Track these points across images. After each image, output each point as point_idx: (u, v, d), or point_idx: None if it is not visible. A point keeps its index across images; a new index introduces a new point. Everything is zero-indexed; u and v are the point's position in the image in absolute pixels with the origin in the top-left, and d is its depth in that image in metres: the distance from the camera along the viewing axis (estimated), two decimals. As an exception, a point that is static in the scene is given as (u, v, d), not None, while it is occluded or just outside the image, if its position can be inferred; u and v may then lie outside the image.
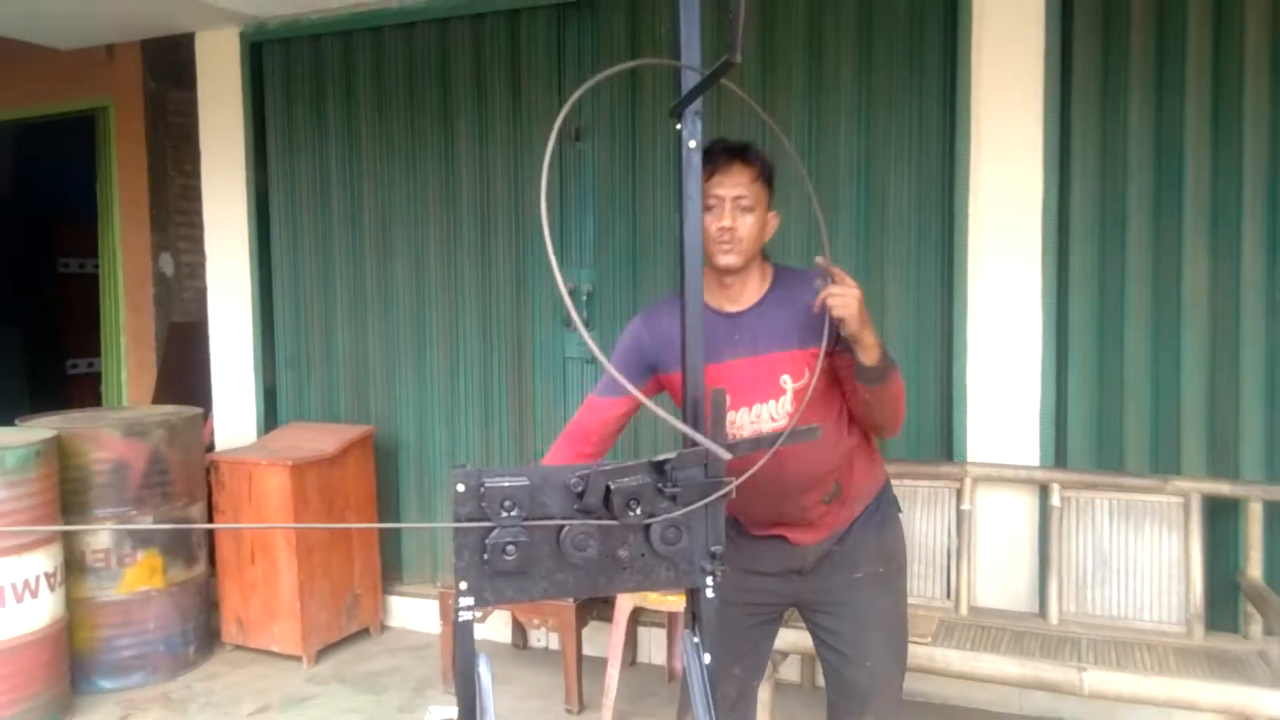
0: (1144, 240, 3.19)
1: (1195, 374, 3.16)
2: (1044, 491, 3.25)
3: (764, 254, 2.07)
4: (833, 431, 2.07)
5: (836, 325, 1.86)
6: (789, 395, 1.99)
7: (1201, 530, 3.04)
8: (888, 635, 2.14)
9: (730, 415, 2.01)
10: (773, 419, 1.99)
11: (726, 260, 1.97)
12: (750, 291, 2.03)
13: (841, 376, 2.01)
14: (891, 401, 1.97)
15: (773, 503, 2.08)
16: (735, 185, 1.95)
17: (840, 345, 1.93)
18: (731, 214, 1.95)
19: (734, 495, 1.46)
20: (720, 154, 1.96)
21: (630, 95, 3.84)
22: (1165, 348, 3.19)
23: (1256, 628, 3.01)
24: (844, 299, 1.81)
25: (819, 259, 1.87)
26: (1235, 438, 3.12)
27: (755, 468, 1.53)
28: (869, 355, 1.87)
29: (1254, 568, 3.02)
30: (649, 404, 1.36)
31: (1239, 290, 3.10)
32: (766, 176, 2.00)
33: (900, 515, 2.25)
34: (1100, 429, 3.28)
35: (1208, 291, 3.14)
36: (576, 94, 1.43)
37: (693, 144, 1.51)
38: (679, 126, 1.50)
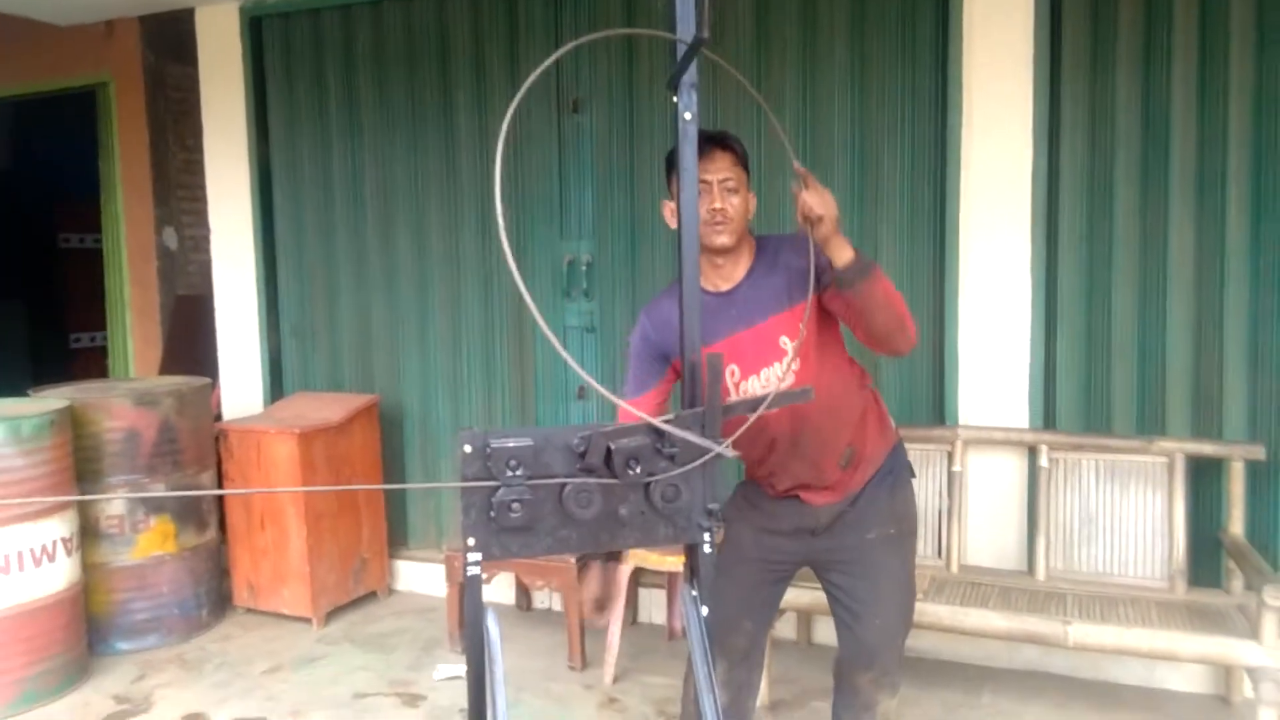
0: (1131, 208, 3.26)
1: (1181, 338, 3.24)
2: (1033, 453, 3.34)
3: (749, 230, 2.18)
4: (841, 384, 2.17)
5: (815, 240, 1.93)
6: (790, 354, 2.09)
7: (1185, 489, 3.13)
8: (897, 594, 2.24)
9: (743, 385, 2.13)
10: (780, 380, 2.09)
11: (721, 240, 2.09)
12: (740, 267, 2.15)
13: (838, 313, 2.09)
14: (887, 304, 2.00)
15: (788, 464, 2.18)
16: (720, 170, 2.08)
17: (826, 280, 2.02)
18: (720, 196, 2.08)
19: (731, 454, 1.54)
20: (702, 142, 2.05)
21: (627, 68, 3.88)
22: (1152, 312, 3.27)
23: (1238, 583, 3.11)
24: (823, 199, 1.90)
25: (797, 165, 1.95)
26: (1219, 399, 3.21)
27: (745, 426, 1.62)
28: (842, 255, 1.94)
29: (1235, 525, 3.11)
30: (632, 410, 1.44)
31: (1223, 256, 3.17)
32: (744, 160, 2.14)
33: (914, 480, 2.34)
34: (1088, 391, 3.37)
35: (1193, 258, 3.21)
36: (558, 53, 1.50)
37: (688, 115, 1.59)
38: (675, 99, 1.57)
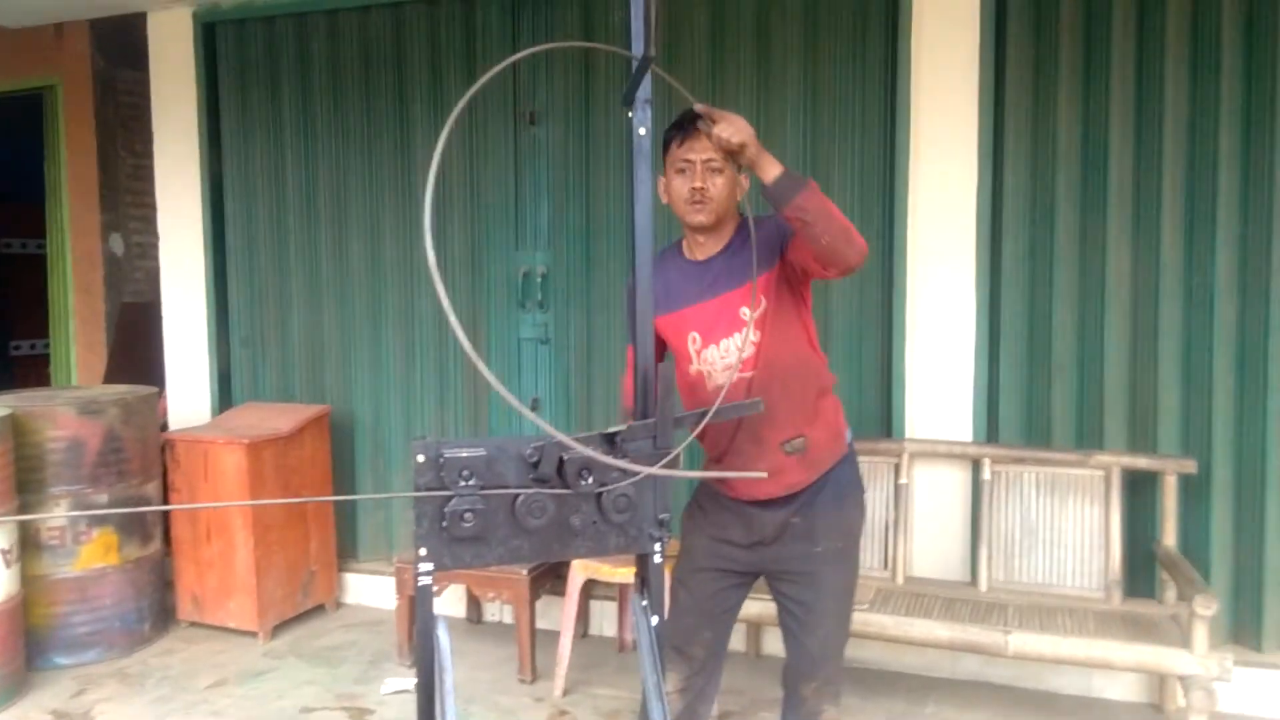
0: (1071, 229, 3.36)
1: (1118, 355, 3.34)
2: (976, 466, 3.42)
3: (737, 210, 2.23)
4: (797, 363, 2.17)
5: (745, 166, 1.96)
6: (750, 325, 2.13)
7: (1121, 502, 3.23)
8: (840, 606, 2.28)
9: (703, 354, 2.18)
10: (739, 349, 2.14)
11: (699, 219, 2.15)
12: (721, 242, 2.20)
13: (797, 258, 2.10)
14: (826, 213, 1.96)
15: (729, 433, 2.18)
16: (704, 150, 2.11)
17: (787, 236, 2.08)
18: (702, 176, 2.12)
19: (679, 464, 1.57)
20: (689, 122, 2.12)
21: (584, 81, 3.92)
22: (1090, 330, 3.38)
23: (1171, 593, 3.21)
24: (734, 125, 1.93)
25: (697, 106, 1.98)
26: (1154, 414, 3.32)
27: (696, 431, 1.65)
28: (771, 171, 1.96)
29: (1169, 537, 3.21)
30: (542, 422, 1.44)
31: (1158, 277, 3.29)
32: None
33: (865, 495, 2.35)
34: (1029, 406, 3.46)
35: (1130, 278, 3.33)
36: (507, 61, 1.52)
37: (643, 131, 1.62)
38: (630, 114, 1.61)
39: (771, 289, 2.14)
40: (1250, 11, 3.16)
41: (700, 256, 2.22)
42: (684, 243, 2.27)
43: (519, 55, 1.62)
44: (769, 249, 2.14)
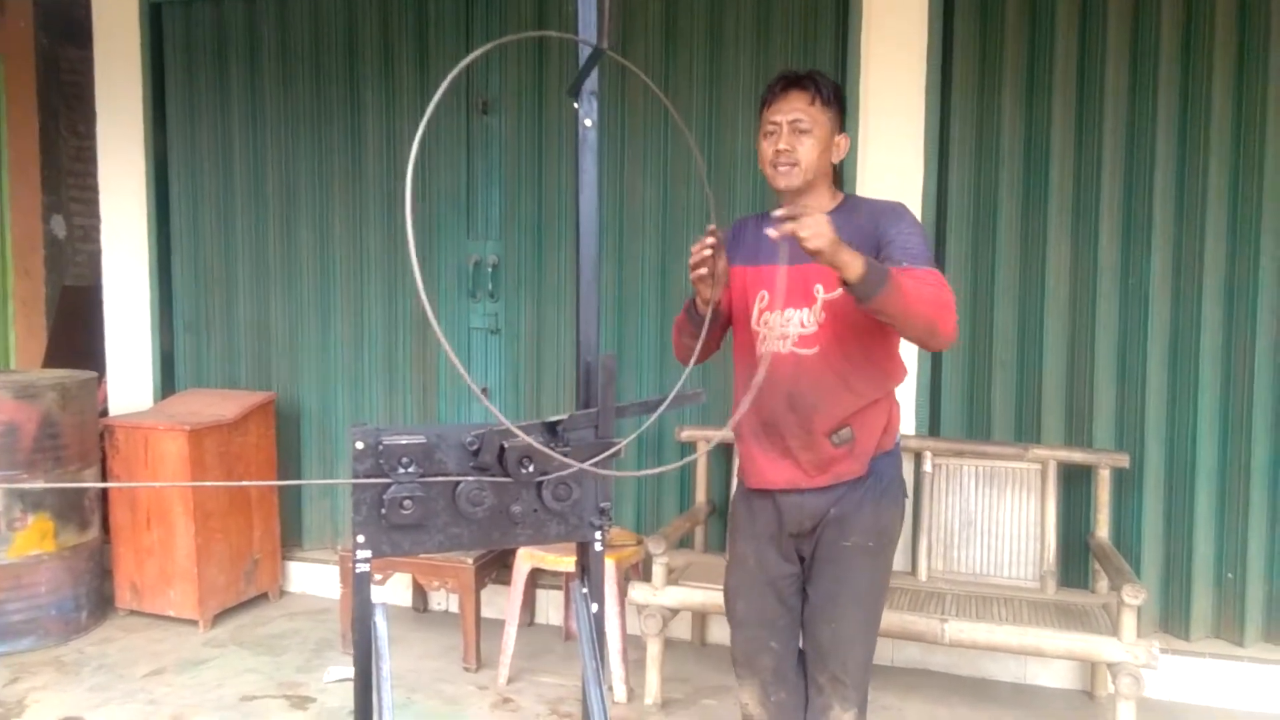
0: (1013, 228, 3.44)
1: (1056, 352, 3.42)
2: (918, 458, 3.47)
3: (838, 179, 2.15)
4: (862, 354, 2.08)
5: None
6: (819, 304, 2.06)
7: (1057, 494, 3.31)
8: (855, 607, 2.17)
9: (766, 316, 2.11)
10: (802, 324, 2.07)
11: (785, 182, 2.07)
12: (818, 208, 2.01)
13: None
14: (905, 312, 1.88)
15: (780, 412, 2.11)
16: (791, 110, 2.05)
17: (879, 254, 1.99)
18: (788, 138, 2.04)
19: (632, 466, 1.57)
20: (777, 84, 2.08)
21: (537, 70, 3.91)
22: (1030, 328, 3.45)
23: (1104, 584, 3.30)
24: (816, 227, 1.77)
25: (779, 212, 1.84)
26: (1089, 410, 3.41)
27: (742, 411, 1.62)
28: (854, 269, 1.81)
29: (1102, 529, 3.30)
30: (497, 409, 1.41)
31: (1096, 277, 3.37)
32: (829, 99, 2.08)
33: (905, 499, 2.25)
34: (970, 401, 3.54)
35: (1068, 277, 3.41)
36: (469, 58, 1.52)
37: (589, 122, 1.62)
38: (576, 105, 1.61)
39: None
40: (1188, 23, 3.24)
41: None
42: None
43: (484, 49, 1.62)
44: (865, 243, 1.99)
